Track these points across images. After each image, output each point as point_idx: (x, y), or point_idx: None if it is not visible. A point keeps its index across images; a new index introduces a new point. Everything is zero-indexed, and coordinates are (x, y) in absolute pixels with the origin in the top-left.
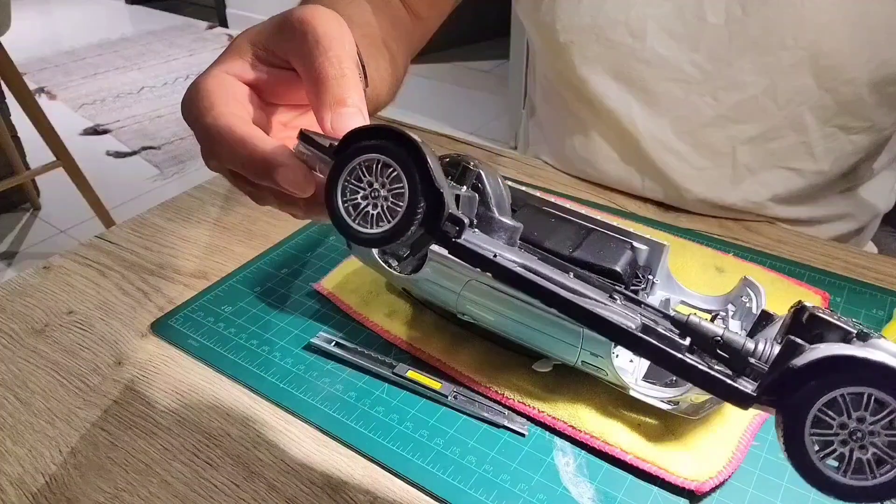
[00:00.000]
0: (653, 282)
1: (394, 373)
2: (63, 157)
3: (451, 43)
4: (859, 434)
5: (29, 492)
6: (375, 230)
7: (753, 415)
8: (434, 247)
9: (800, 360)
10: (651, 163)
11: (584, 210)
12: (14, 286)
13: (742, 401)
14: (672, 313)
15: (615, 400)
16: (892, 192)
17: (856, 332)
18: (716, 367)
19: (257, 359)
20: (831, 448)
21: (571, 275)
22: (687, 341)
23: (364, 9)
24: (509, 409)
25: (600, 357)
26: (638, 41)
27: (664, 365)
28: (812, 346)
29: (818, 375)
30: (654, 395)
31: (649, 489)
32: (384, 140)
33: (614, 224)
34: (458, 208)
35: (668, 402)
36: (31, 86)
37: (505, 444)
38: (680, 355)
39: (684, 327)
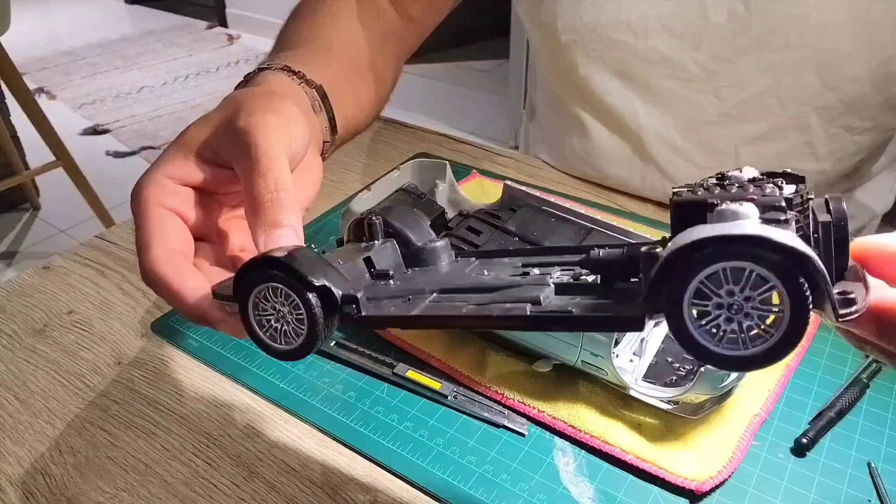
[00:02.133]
0: None
1: (394, 373)
2: (63, 156)
3: (451, 43)
4: (736, 305)
5: (28, 492)
6: (297, 343)
7: (753, 414)
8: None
9: (654, 267)
10: (653, 161)
11: (583, 210)
12: (14, 286)
13: (636, 326)
14: (580, 257)
15: (615, 400)
16: (890, 192)
17: (709, 200)
18: (604, 304)
19: (257, 359)
20: (721, 330)
21: (488, 272)
22: (598, 279)
23: (350, 28)
24: (509, 408)
25: (600, 357)
26: (640, 40)
27: (558, 328)
28: (666, 248)
29: (674, 273)
30: (654, 394)
31: (649, 489)
32: (262, 270)
33: (614, 224)
34: (374, 268)
35: (668, 402)
36: (31, 86)
37: (505, 443)
38: (567, 314)
39: (590, 264)
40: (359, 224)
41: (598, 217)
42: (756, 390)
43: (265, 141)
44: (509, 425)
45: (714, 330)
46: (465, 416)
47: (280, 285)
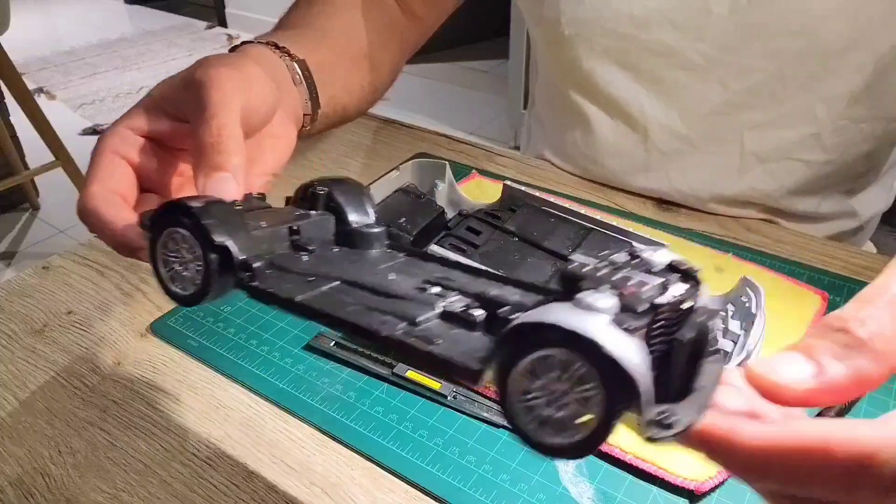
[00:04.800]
0: None
1: (393, 373)
2: (62, 157)
3: (451, 43)
4: (558, 393)
5: (28, 492)
6: (190, 291)
7: None
8: (433, 247)
9: (501, 331)
10: (658, 150)
11: (583, 210)
12: (13, 286)
13: (472, 379)
14: (481, 290)
15: None
16: (890, 191)
17: (583, 282)
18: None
19: (257, 359)
20: (537, 409)
21: (396, 275)
22: (483, 315)
23: (345, 19)
24: None
25: None
26: (643, 32)
27: (410, 361)
28: (517, 315)
29: (513, 344)
30: None
31: (649, 489)
32: (175, 214)
33: (614, 224)
34: (298, 237)
35: None
36: (31, 86)
37: (504, 443)
38: (422, 347)
39: (482, 299)
40: (305, 189)
41: (598, 217)
42: None
43: (216, 91)
44: (509, 425)
45: (531, 405)
46: (464, 416)
47: (187, 234)
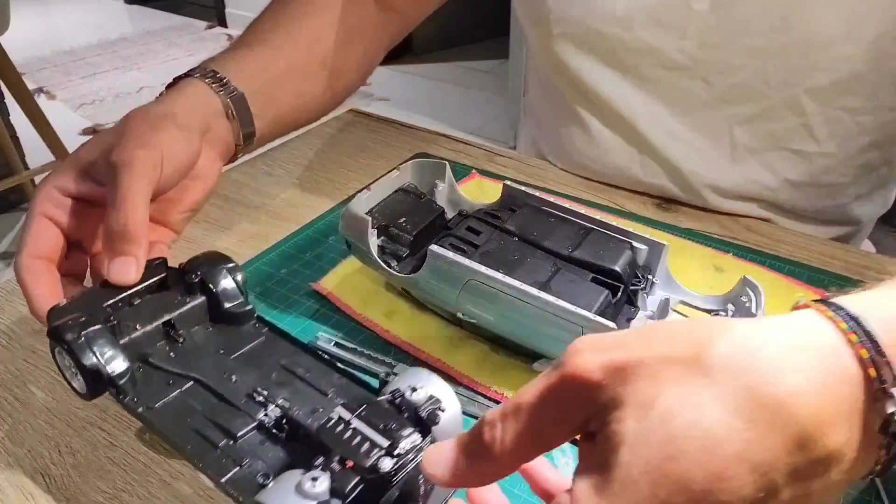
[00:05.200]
0: (652, 281)
1: (394, 373)
2: (62, 157)
3: (451, 43)
4: None
5: (28, 492)
6: (83, 392)
7: None
8: (433, 247)
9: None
10: (651, 147)
11: (583, 210)
12: (13, 286)
13: None
14: (290, 407)
15: None
16: (890, 193)
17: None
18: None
19: None
20: None
21: (234, 377)
22: (286, 431)
23: (306, 25)
24: None
25: None
26: (626, 31)
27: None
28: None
29: None
30: None
31: None
32: (55, 337)
33: (614, 224)
34: (172, 328)
35: None
36: (31, 86)
37: None
38: (216, 479)
39: (285, 417)
40: (184, 271)
41: (598, 217)
42: None
43: (128, 177)
44: None
45: None
46: (464, 416)
47: (66, 354)
